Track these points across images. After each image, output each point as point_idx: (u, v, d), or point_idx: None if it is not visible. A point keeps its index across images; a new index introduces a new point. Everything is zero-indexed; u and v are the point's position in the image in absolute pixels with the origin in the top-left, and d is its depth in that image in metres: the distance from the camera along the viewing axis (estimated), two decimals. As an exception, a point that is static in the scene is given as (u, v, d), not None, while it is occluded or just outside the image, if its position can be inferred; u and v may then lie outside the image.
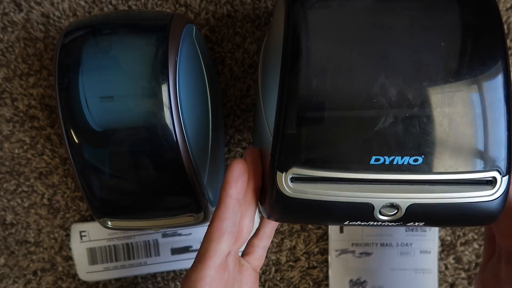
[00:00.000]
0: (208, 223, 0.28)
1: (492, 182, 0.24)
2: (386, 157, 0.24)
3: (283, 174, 0.24)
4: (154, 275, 0.45)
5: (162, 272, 0.45)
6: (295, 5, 0.26)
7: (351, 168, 0.24)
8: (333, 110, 0.24)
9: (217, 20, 0.42)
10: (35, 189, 0.44)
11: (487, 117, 0.24)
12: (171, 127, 0.29)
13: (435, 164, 0.24)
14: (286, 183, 0.24)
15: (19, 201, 0.44)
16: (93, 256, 0.44)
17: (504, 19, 0.41)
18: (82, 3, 0.42)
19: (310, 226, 0.44)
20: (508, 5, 0.41)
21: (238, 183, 0.27)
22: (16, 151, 0.43)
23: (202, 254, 0.27)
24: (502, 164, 0.24)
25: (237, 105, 0.43)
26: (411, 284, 0.36)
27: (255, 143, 0.33)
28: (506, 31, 0.41)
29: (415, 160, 0.24)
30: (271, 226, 0.33)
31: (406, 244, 0.35)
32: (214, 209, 0.38)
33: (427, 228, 0.33)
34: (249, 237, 0.31)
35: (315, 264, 0.44)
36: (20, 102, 0.43)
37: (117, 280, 0.45)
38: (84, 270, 0.44)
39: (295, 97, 0.24)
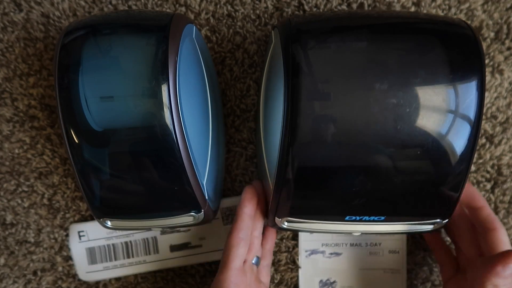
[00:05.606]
0: (207, 223, 0.28)
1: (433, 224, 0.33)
2: (357, 217, 0.31)
3: (280, 219, 0.33)
4: (154, 275, 0.45)
5: (162, 272, 0.45)
6: (294, 46, 0.28)
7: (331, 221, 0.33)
8: (322, 182, 0.30)
9: (217, 20, 0.42)
10: (35, 189, 0.44)
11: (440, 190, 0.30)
12: (171, 127, 0.29)
13: (392, 220, 0.32)
14: (282, 223, 0.34)
15: (19, 201, 0.44)
16: (92, 255, 0.44)
17: (504, 19, 0.41)
18: (82, 3, 0.42)
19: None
20: (508, 5, 0.41)
21: (251, 203, 0.35)
22: (16, 151, 0.43)
23: (225, 260, 0.34)
24: (445, 214, 0.32)
25: (237, 105, 0.43)
26: (380, 284, 0.37)
27: (259, 176, 0.41)
28: (506, 31, 0.41)
29: (379, 218, 0.31)
30: (269, 245, 0.40)
31: (375, 244, 0.35)
32: (214, 210, 0.38)
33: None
34: (259, 249, 0.37)
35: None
36: (20, 102, 0.43)
37: (117, 279, 0.45)
38: (84, 270, 0.44)
39: (292, 170, 0.29)
